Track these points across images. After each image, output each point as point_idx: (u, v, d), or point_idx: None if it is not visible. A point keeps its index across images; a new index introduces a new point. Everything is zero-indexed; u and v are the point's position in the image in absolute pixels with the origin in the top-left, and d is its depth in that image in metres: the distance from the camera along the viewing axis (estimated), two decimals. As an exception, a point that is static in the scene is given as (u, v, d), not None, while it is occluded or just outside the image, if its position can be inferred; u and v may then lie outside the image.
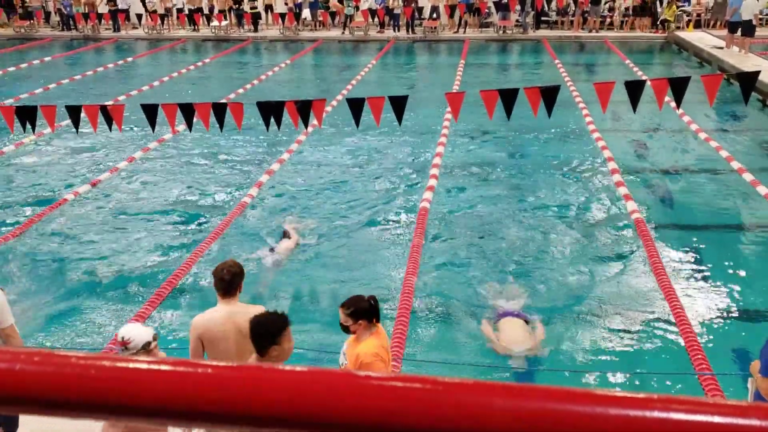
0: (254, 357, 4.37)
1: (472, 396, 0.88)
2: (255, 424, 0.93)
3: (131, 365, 0.95)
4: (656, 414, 0.81)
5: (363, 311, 4.59)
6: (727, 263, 8.86)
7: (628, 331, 7.31)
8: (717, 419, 0.80)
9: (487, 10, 30.10)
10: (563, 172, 12.36)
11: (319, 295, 8.23)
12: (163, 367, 0.95)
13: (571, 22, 29.51)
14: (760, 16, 25.85)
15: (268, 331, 4.18)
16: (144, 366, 0.94)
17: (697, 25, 28.12)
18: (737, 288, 8.21)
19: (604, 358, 6.88)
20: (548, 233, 9.79)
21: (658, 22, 28.33)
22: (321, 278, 8.59)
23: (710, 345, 6.95)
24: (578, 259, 8.99)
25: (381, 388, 0.91)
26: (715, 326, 7.38)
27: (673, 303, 7.54)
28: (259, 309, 4.87)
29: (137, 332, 4.37)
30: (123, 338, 4.29)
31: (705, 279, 8.43)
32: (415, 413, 0.88)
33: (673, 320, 7.28)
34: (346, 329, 4.68)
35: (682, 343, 6.86)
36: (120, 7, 31.04)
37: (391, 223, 10.26)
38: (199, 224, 10.31)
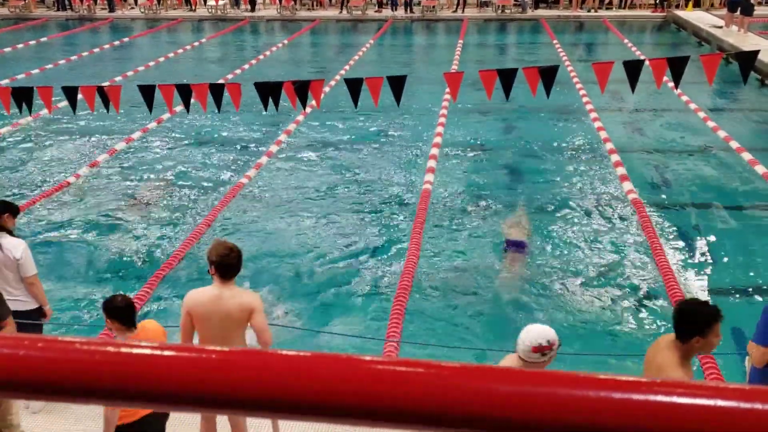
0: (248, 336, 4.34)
1: (476, 381, 0.88)
2: (259, 408, 0.94)
3: (135, 351, 0.95)
4: (659, 398, 0.82)
5: (111, 310, 4.46)
6: (725, 243, 8.88)
7: (625, 311, 7.34)
8: (720, 403, 0.80)
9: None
10: (561, 152, 12.35)
11: (317, 278, 8.23)
12: (167, 353, 0.95)
13: (570, 1, 29.31)
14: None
15: (695, 320, 4.02)
16: (148, 351, 0.94)
17: (697, 4, 27.94)
18: (735, 267, 8.24)
19: (599, 338, 6.92)
20: (546, 213, 9.79)
21: (657, 1, 28.18)
22: (320, 261, 8.59)
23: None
24: (575, 239, 9.01)
25: (384, 372, 0.91)
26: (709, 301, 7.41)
27: (669, 282, 7.56)
28: (252, 295, 4.86)
29: (556, 335, 4.11)
30: (549, 341, 4.02)
31: (702, 259, 8.46)
32: (418, 398, 0.88)
33: (670, 300, 7.30)
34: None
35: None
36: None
37: (390, 205, 10.25)
38: (199, 204, 10.30)
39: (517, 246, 8.66)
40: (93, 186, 11.15)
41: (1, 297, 5.00)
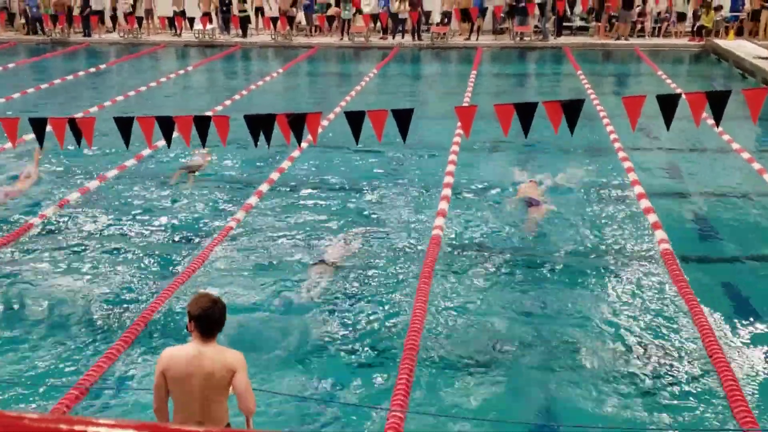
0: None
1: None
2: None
3: (90, 429, 0.93)
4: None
5: None
6: (771, 300, 8.82)
7: (658, 381, 7.23)
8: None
9: (502, 15, 30.26)
10: (585, 196, 12.35)
11: (310, 335, 8.18)
12: (127, 431, 0.93)
13: (597, 27, 29.74)
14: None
15: None
16: (104, 430, 0.92)
17: (739, 33, 28.27)
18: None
19: (629, 412, 6.78)
20: (568, 265, 9.75)
21: (694, 29, 28.55)
22: (313, 316, 8.54)
23: (755, 395, 6.88)
24: (600, 294, 8.94)
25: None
26: (760, 373, 7.32)
27: (711, 347, 7.47)
28: (235, 354, 4.87)
29: None
30: None
31: (747, 319, 8.37)
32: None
33: (712, 367, 7.21)
34: None
35: (722, 393, 6.79)
36: (94, 8, 31.30)
37: (395, 253, 10.22)
38: (180, 251, 10.29)
39: (533, 203, 11.43)
40: (60, 228, 11.16)
41: None
